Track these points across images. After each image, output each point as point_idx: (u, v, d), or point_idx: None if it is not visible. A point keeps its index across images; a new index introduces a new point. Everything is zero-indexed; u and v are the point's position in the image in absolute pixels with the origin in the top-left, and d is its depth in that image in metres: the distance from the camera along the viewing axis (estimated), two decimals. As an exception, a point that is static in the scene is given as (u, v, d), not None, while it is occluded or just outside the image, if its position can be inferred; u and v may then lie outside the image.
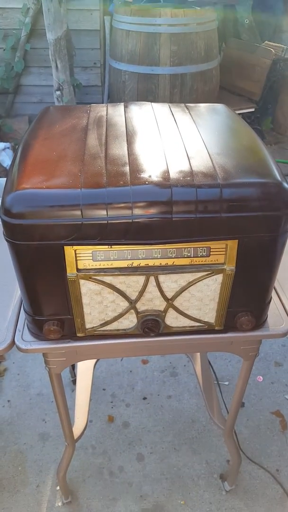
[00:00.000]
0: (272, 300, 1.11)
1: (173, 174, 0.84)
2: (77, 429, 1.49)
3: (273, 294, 1.15)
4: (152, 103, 1.19)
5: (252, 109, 4.21)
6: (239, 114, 4.11)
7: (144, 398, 2.06)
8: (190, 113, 1.12)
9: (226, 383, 2.13)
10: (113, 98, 4.07)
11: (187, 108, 1.16)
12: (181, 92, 3.62)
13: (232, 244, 0.86)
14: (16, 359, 2.23)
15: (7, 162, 3.61)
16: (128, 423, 1.96)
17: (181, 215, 0.81)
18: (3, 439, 1.89)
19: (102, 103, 4.36)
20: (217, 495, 1.73)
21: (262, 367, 2.21)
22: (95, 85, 4.33)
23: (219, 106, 1.20)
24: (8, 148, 3.67)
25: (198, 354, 1.85)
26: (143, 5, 3.82)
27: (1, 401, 2.04)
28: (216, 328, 1.01)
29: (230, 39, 4.48)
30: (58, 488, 1.71)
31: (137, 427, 1.94)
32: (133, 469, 1.80)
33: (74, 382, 2.04)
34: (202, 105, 1.20)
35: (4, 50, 3.97)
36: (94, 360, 1.79)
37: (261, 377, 2.16)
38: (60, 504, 1.68)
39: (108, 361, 2.22)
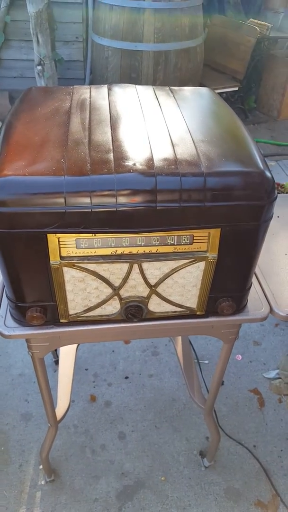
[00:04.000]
0: (252, 285, 1.13)
1: (158, 162, 0.83)
2: (60, 410, 1.51)
3: (254, 279, 1.17)
4: (136, 86, 1.17)
5: (236, 88, 4.19)
6: (223, 92, 4.08)
7: (126, 378, 2.09)
8: (174, 97, 1.11)
9: (206, 361, 2.17)
10: (95, 74, 3.99)
11: (172, 92, 1.14)
12: (165, 70, 3.57)
13: (215, 233, 0.87)
14: (-2, 340, 2.24)
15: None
16: (110, 402, 1.99)
17: (165, 204, 0.82)
18: (-14, 419, 1.90)
19: (84, 78, 4.28)
20: (197, 471, 1.78)
21: (241, 346, 2.26)
22: (77, 60, 4.24)
23: (204, 90, 1.19)
24: (-13, 124, 3.58)
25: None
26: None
27: (-17, 381, 2.05)
28: (198, 313, 1.03)
29: (215, 16, 4.41)
30: (41, 467, 1.73)
31: (119, 406, 1.98)
32: (115, 447, 1.84)
33: (56, 362, 2.06)
34: (186, 88, 1.19)
35: (-18, 21, 3.84)
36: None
37: (240, 356, 2.21)
38: (43, 482, 1.71)
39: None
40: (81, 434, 1.87)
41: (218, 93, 4.06)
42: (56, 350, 2.03)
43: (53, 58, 3.65)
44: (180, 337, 1.87)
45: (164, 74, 3.58)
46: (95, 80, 4.02)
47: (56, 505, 1.65)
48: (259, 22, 4.07)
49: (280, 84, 4.41)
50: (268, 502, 1.70)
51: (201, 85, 4.05)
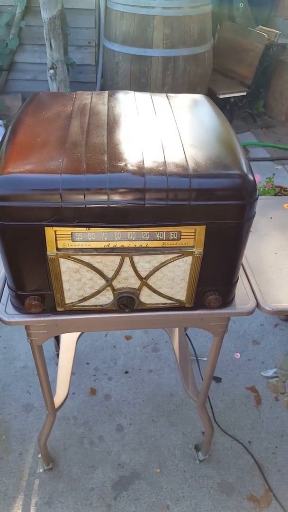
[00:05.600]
0: (241, 280, 1.20)
1: (148, 164, 0.90)
2: (58, 399, 1.58)
3: (243, 275, 1.23)
4: (135, 92, 1.24)
5: (244, 93, 4.24)
6: (231, 97, 4.14)
7: (126, 372, 2.16)
8: (170, 104, 1.18)
9: (205, 359, 2.22)
10: (106, 78, 4.08)
11: (168, 98, 1.21)
12: (174, 75, 3.65)
13: (200, 229, 0.94)
14: (2, 333, 2.32)
15: (-2, 140, 3.61)
16: (109, 395, 2.06)
17: (153, 202, 0.89)
18: (-10, 408, 1.98)
19: (96, 82, 4.37)
20: (191, 464, 1.83)
21: (240, 345, 2.31)
22: (89, 64, 4.33)
23: (199, 97, 1.25)
24: (0, 125, 3.68)
25: (176, 329, 1.94)
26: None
27: (-12, 372, 2.13)
28: (187, 305, 1.10)
29: (225, 22, 4.48)
30: (40, 456, 1.80)
31: (118, 399, 2.04)
32: (113, 439, 1.90)
33: (58, 356, 2.12)
34: (182, 95, 1.25)
35: (-2, 26, 3.95)
36: (77, 334, 1.88)
37: (238, 354, 2.26)
38: (41, 470, 1.78)
39: (93, 337, 2.31)
40: (80, 426, 1.94)
41: (226, 98, 4.13)
42: (58, 343, 2.11)
43: (65, 62, 3.75)
44: (176, 331, 1.93)
45: (173, 79, 3.65)
46: (106, 84, 4.12)
47: (53, 493, 1.72)
48: (268, 29, 4.13)
49: (289, 89, 4.46)
50: (261, 496, 1.75)
51: (210, 89, 4.11)
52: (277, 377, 2.15)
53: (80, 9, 3.99)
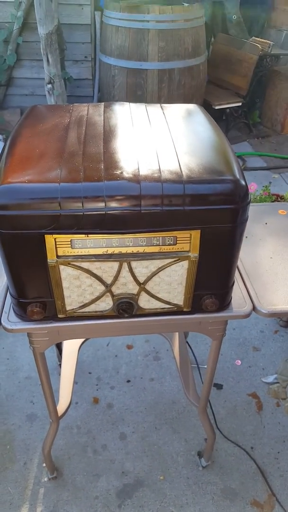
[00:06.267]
0: (237, 284, 1.22)
1: (143, 171, 0.93)
2: (61, 407, 1.59)
3: (239, 279, 1.26)
4: (130, 104, 1.28)
5: (240, 103, 4.31)
6: (227, 108, 4.20)
7: (128, 381, 2.17)
8: (164, 113, 1.21)
9: (206, 366, 2.24)
10: (103, 92, 4.15)
11: (162, 108, 1.25)
12: (169, 87, 3.71)
13: (195, 234, 0.97)
14: (6, 344, 2.33)
15: (-2, 154, 3.67)
16: (112, 404, 2.07)
17: (149, 208, 0.92)
18: (-7, 419, 1.99)
19: (93, 96, 4.44)
20: (194, 471, 1.84)
21: (240, 352, 2.32)
22: (86, 78, 4.40)
23: (192, 106, 1.29)
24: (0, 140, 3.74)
25: (177, 336, 1.96)
26: (132, 1, 3.90)
27: (-9, 383, 2.14)
28: (185, 309, 1.12)
29: (219, 34, 4.56)
30: (44, 465, 1.81)
31: (121, 408, 2.05)
32: (116, 447, 1.91)
33: (61, 366, 2.14)
34: (176, 105, 1.29)
35: (-4, 43, 4.03)
36: (79, 343, 1.90)
37: (239, 361, 2.27)
38: (46, 479, 1.79)
39: (95, 346, 2.33)
40: (83, 435, 1.95)
41: (222, 108, 4.20)
42: (61, 353, 2.12)
43: (62, 77, 3.81)
44: (177, 338, 1.95)
45: (168, 91, 3.71)
46: (103, 97, 4.18)
47: (58, 502, 1.72)
48: (261, 40, 4.20)
49: (284, 99, 4.53)
50: (264, 501, 1.75)
51: (205, 101, 4.17)
52: (277, 383, 2.16)
53: (76, 25, 4.07)
